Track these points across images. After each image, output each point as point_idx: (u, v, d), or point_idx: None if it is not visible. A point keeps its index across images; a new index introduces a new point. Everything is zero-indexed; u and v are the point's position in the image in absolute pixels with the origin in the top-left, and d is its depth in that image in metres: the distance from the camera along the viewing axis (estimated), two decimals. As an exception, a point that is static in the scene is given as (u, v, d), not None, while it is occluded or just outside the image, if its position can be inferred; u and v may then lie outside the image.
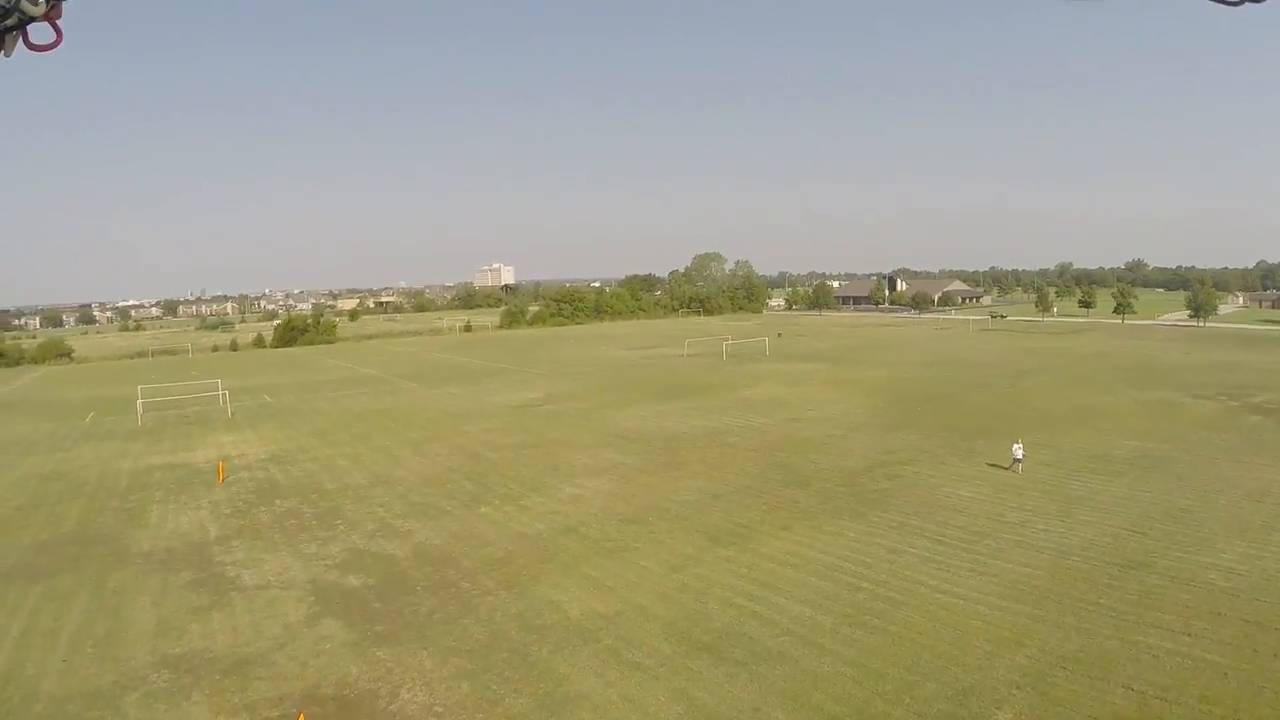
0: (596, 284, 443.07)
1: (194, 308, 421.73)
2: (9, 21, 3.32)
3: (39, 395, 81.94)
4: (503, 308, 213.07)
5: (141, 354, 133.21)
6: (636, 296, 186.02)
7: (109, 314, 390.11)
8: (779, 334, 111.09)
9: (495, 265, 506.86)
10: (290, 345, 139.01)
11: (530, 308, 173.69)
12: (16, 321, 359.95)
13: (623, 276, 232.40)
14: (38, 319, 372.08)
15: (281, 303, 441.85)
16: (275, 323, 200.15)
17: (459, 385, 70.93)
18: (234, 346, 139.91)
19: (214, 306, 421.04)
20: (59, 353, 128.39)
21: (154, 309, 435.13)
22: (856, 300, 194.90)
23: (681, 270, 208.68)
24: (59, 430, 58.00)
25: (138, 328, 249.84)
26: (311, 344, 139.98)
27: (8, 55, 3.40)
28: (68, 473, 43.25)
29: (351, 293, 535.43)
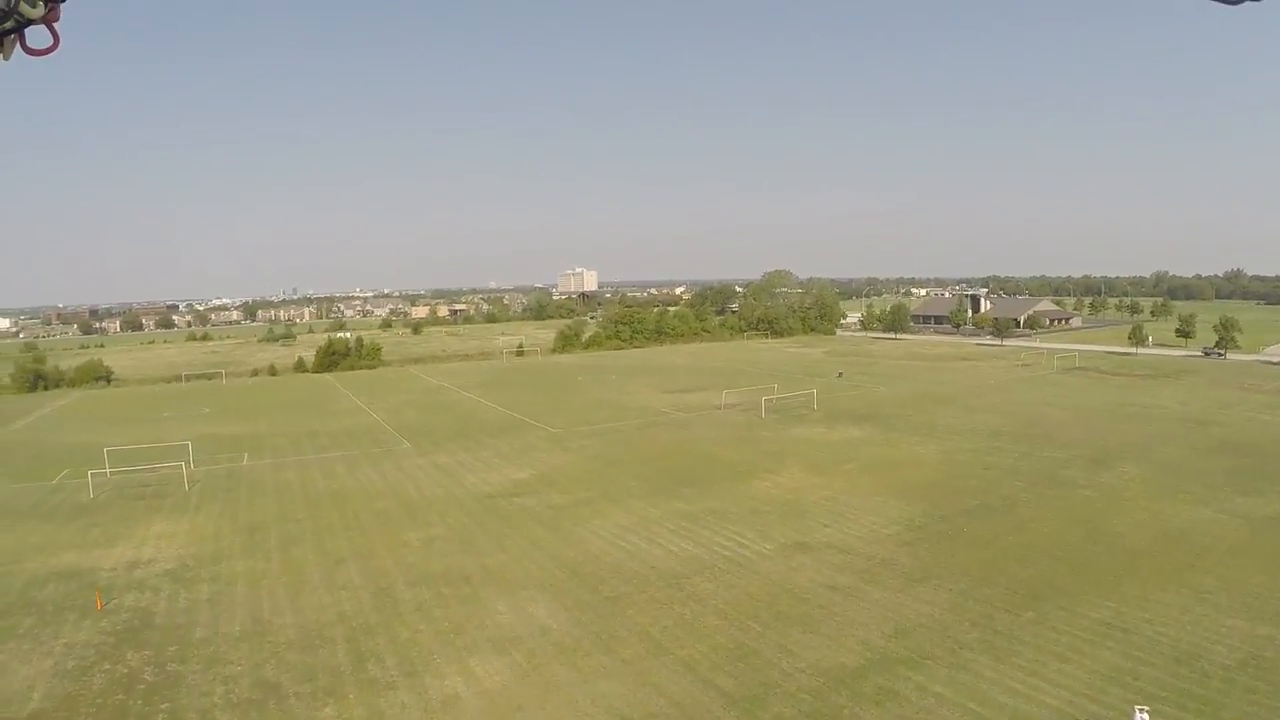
0: (681, 289, 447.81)
1: (273, 311, 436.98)
2: (6, 25, 3.56)
3: (36, 438, 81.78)
4: (569, 319, 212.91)
5: (176, 378, 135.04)
6: (701, 317, 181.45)
7: (188, 318, 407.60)
8: (840, 373, 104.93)
9: (578, 269, 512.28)
10: (330, 370, 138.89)
11: (585, 331, 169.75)
12: (98, 325, 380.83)
13: (711, 279, 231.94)
14: (119, 322, 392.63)
15: (360, 307, 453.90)
16: (339, 334, 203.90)
17: (453, 449, 66.51)
18: (273, 371, 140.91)
19: (293, 310, 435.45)
20: (96, 375, 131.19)
21: (235, 312, 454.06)
22: (937, 320, 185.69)
23: (755, 281, 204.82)
24: (14, 497, 56.29)
25: (204, 337, 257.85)
26: (352, 369, 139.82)
27: (6, 59, 3.66)
28: None
29: (436, 295, 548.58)
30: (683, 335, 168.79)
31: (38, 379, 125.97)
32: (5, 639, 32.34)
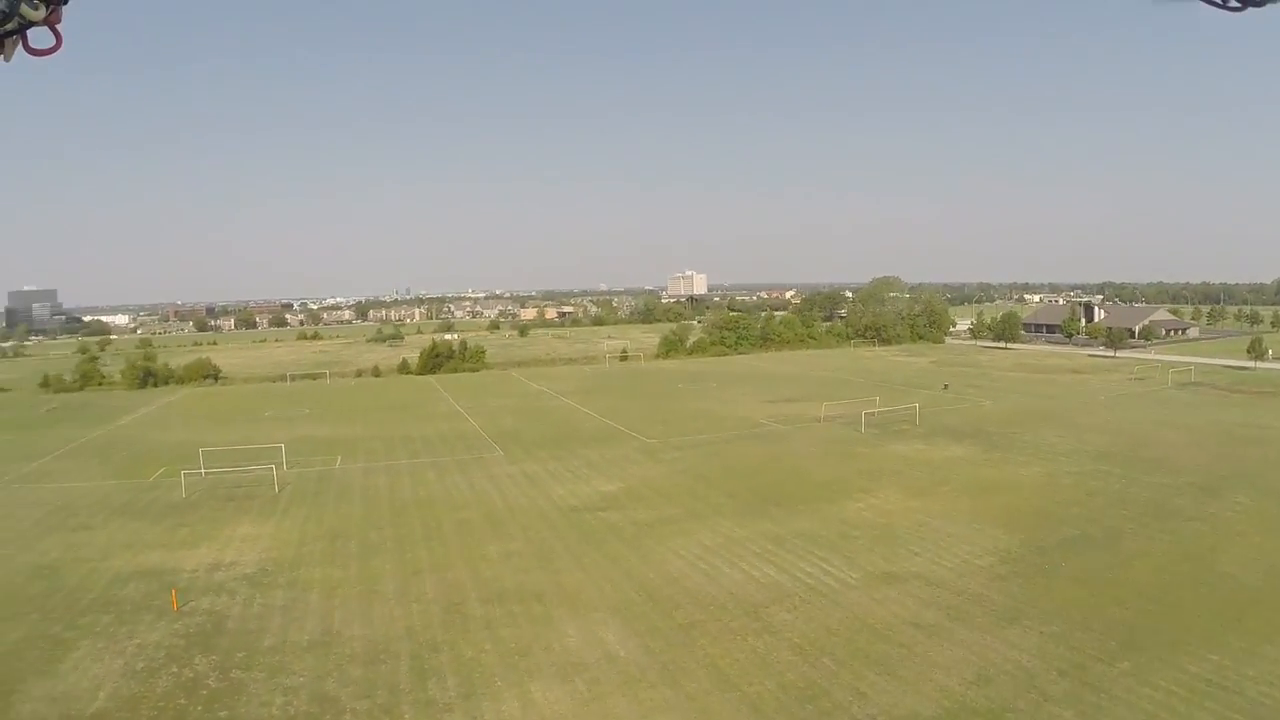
0: (790, 292, 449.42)
1: (384, 311, 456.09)
2: (9, 26, 3.79)
3: (139, 435, 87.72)
4: (676, 323, 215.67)
5: (282, 378, 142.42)
6: (807, 323, 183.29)
7: (301, 317, 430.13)
8: (945, 385, 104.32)
9: (687, 272, 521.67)
10: (433, 372, 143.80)
11: (690, 336, 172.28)
12: (213, 323, 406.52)
13: (820, 282, 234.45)
14: (233, 320, 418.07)
15: (470, 308, 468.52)
16: (445, 335, 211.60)
17: (544, 458, 67.80)
18: (376, 372, 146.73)
19: (404, 311, 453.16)
20: (204, 373, 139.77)
21: (347, 311, 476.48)
22: (1049, 329, 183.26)
23: (864, 285, 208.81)
24: (112, 494, 60.49)
25: (314, 336, 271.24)
26: (455, 371, 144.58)
27: (7, 60, 3.91)
28: (58, 568, 43.79)
29: (546, 297, 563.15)
30: (789, 342, 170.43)
31: (147, 375, 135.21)
32: (83, 636, 34.51)
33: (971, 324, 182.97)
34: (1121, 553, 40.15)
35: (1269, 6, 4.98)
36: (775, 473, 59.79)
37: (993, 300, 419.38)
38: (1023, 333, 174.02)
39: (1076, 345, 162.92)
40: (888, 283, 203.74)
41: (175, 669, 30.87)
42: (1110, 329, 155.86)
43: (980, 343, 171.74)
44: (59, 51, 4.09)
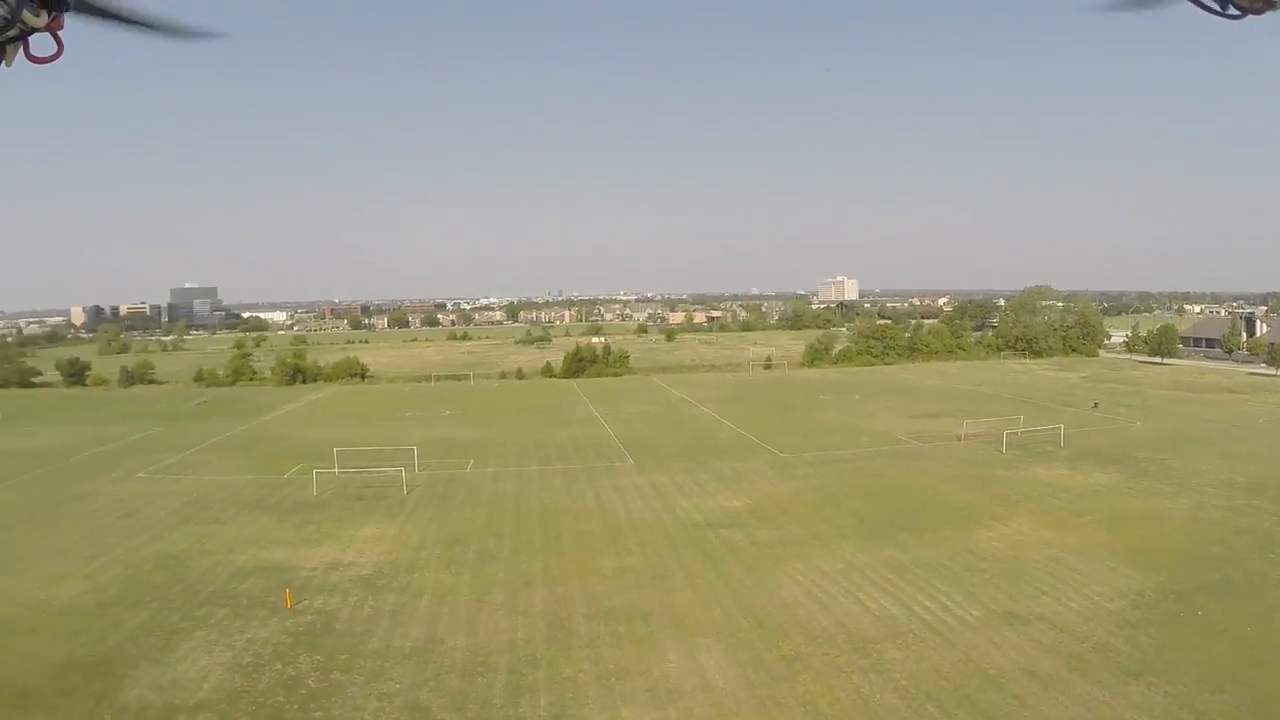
0: (944, 299, 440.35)
1: (534, 313, 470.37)
2: (10, 33, 3.95)
3: (282, 431, 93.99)
4: (825, 329, 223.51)
5: (426, 378, 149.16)
6: (957, 333, 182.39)
7: (453, 317, 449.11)
8: (1095, 404, 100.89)
9: (838, 277, 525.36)
10: (576, 376, 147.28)
11: (836, 344, 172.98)
12: (367, 321, 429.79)
13: (974, 289, 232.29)
14: (386, 319, 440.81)
15: (620, 311, 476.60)
16: (592, 338, 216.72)
17: (674, 469, 68.52)
18: (520, 374, 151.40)
19: (554, 313, 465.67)
20: (351, 372, 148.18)
21: (498, 312, 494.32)
22: (1208, 343, 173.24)
23: (1017, 294, 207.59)
24: (247, 488, 65.01)
25: (464, 336, 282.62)
26: (598, 375, 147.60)
27: (8, 65, 4.10)
28: (184, 559, 47.41)
29: (697, 300, 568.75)
30: (936, 353, 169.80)
31: (296, 372, 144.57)
32: (198, 627, 37.12)
33: (1126, 337, 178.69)
34: (1265, 603, 37.26)
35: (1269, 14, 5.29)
36: (906, 495, 59.02)
37: (1151, 310, 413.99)
38: (1180, 347, 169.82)
39: (1236, 361, 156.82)
40: (1040, 292, 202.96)
41: (279, 666, 32.72)
42: (1273, 344, 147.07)
43: (1135, 357, 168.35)
44: (60, 59, 4.23)
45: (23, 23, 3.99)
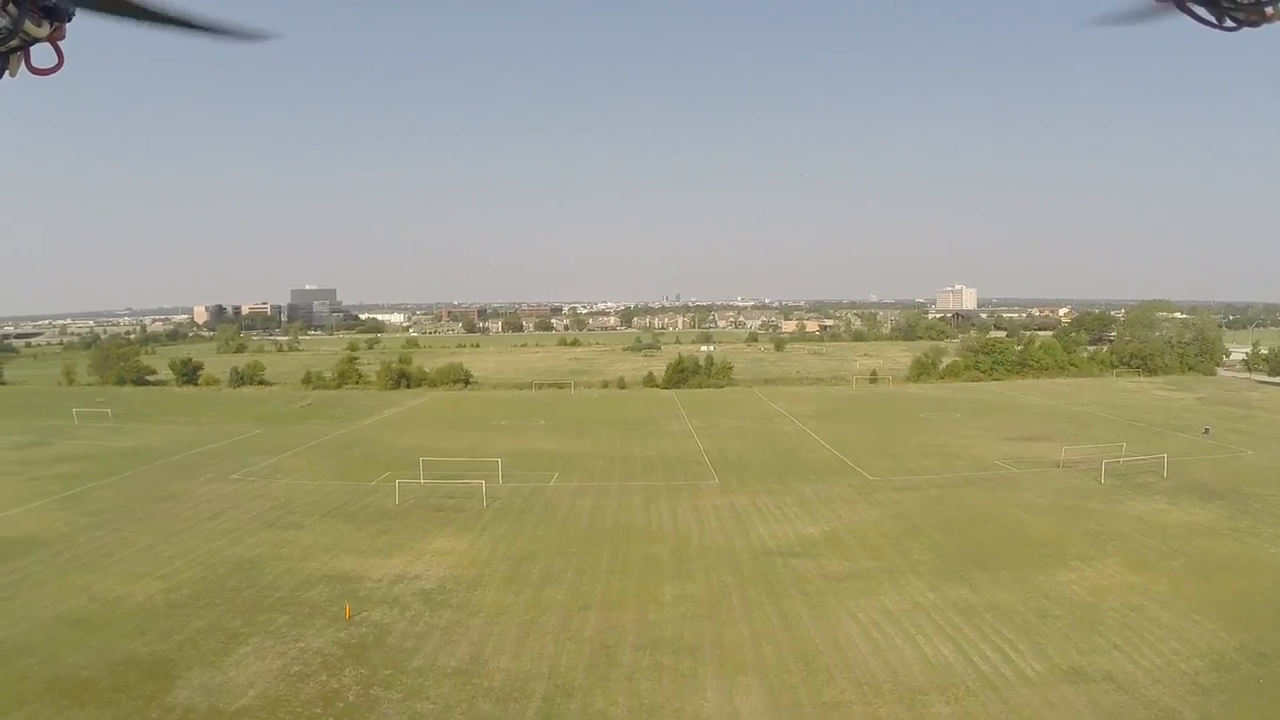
0: (1064, 310, 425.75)
1: (648, 319, 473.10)
2: (12, 44, 4.05)
3: (377, 436, 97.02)
4: (939, 340, 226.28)
5: (528, 385, 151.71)
6: (1069, 349, 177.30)
7: (566, 321, 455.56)
8: (1206, 429, 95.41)
9: (957, 286, 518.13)
10: (678, 386, 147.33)
11: (944, 359, 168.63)
12: (481, 324, 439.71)
13: (1095, 299, 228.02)
14: (500, 322, 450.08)
15: (734, 318, 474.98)
16: (702, 347, 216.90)
17: (757, 490, 67.97)
18: (621, 384, 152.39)
19: (667, 319, 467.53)
20: (455, 378, 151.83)
21: (612, 317, 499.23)
22: None
23: (1133, 305, 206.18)
24: (332, 494, 67.36)
25: (574, 342, 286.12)
26: (699, 386, 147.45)
27: (13, 75, 4.15)
28: (259, 563, 49.45)
29: (814, 307, 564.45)
30: (1047, 368, 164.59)
31: (401, 377, 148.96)
32: (257, 633, 38.73)
33: (1246, 355, 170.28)
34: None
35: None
36: (991, 527, 57.15)
37: (1258, 340, 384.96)
38: None
39: None
40: (1157, 305, 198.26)
41: (324, 677, 33.76)
42: None
43: (1255, 376, 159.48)
44: (61, 69, 4.34)
45: (25, 33, 4.05)
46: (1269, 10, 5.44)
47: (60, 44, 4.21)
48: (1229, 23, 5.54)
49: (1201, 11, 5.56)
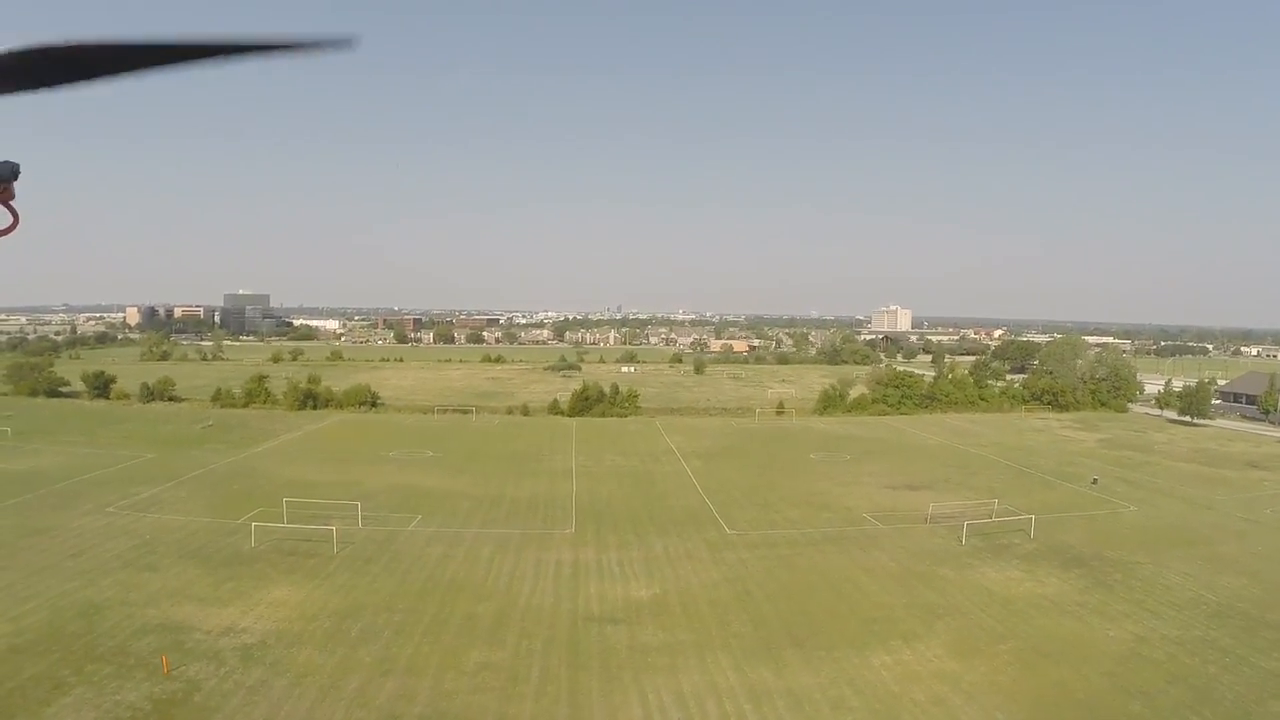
0: (999, 332, 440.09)
1: (580, 333, 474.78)
2: None
3: (262, 467, 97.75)
4: (865, 365, 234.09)
5: (432, 410, 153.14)
6: (980, 383, 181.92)
7: (497, 334, 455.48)
8: (1095, 480, 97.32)
9: (891, 306, 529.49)
10: (583, 414, 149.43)
11: (852, 391, 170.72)
12: (412, 335, 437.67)
13: (1034, 319, 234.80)
14: (432, 334, 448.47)
15: (665, 335, 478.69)
16: (623, 368, 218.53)
17: (610, 544, 69.14)
18: (525, 410, 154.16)
19: (599, 334, 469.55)
20: (361, 400, 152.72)
21: (545, 331, 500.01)
22: (1248, 399, 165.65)
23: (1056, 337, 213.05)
24: (197, 533, 68.17)
25: (497, 359, 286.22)
26: (603, 415, 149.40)
27: None
28: (103, 609, 50.76)
29: (753, 321, 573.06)
30: (957, 403, 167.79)
31: (308, 397, 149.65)
32: (82, 683, 40.72)
33: (1158, 393, 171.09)
34: None
35: None
36: (828, 595, 57.51)
37: (1207, 352, 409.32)
38: (1217, 402, 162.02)
39: (1273, 424, 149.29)
40: (1071, 343, 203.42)
41: (113, 747, 36.04)
42: None
43: (1166, 413, 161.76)
44: (16, 230, 4.15)
45: None
46: None
47: (12, 204, 4.06)
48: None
49: None
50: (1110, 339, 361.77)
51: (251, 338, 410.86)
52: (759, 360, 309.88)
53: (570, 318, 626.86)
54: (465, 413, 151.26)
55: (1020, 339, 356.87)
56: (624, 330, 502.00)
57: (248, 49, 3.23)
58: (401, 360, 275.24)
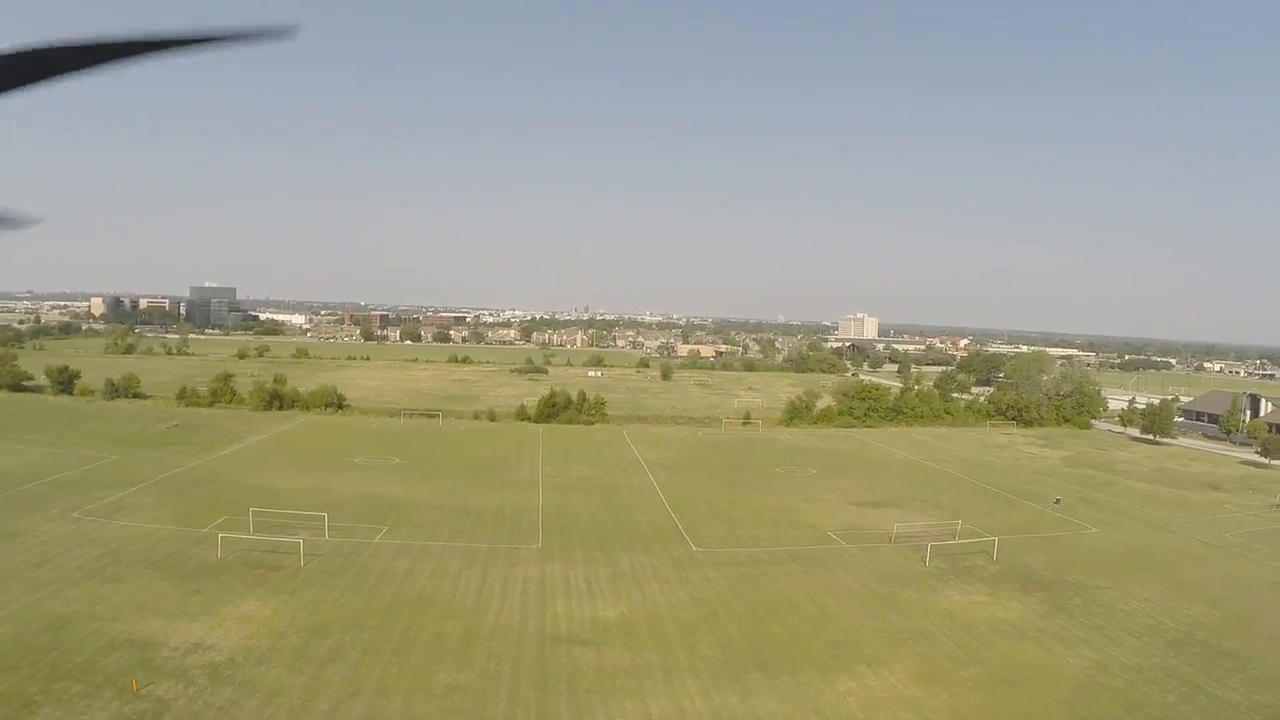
0: (965, 341, 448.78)
1: (547, 334, 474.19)
2: None
3: (227, 471, 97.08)
4: (831, 375, 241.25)
5: (398, 413, 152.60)
6: (946, 397, 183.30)
7: (464, 334, 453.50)
8: (1058, 500, 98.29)
9: (859, 314, 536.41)
10: (550, 420, 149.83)
11: (818, 402, 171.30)
12: (379, 332, 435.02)
13: (1001, 328, 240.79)
14: (399, 331, 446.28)
15: (632, 338, 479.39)
16: (588, 372, 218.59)
17: (575, 560, 69.20)
18: (492, 416, 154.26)
19: (566, 335, 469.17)
20: (327, 402, 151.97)
21: (513, 331, 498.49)
22: (1210, 418, 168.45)
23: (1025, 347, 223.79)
24: (163, 542, 67.70)
25: (464, 360, 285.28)
26: (570, 422, 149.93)
27: None
28: (70, 622, 50.37)
29: (720, 325, 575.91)
30: (923, 417, 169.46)
31: (274, 398, 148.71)
32: (49, 702, 40.49)
33: (1122, 410, 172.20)
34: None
35: None
36: (793, 618, 57.90)
37: (1171, 366, 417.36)
38: (1181, 420, 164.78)
39: (1235, 444, 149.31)
40: (1037, 359, 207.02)
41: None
42: (1272, 428, 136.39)
43: (1129, 431, 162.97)
44: None
45: None
46: None
47: None
48: None
49: None
50: (1075, 351, 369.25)
51: (217, 331, 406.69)
52: (726, 366, 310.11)
53: (538, 317, 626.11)
54: (432, 417, 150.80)
55: (986, 350, 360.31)
56: (591, 332, 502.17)
57: (190, 42, 3.47)
58: (368, 358, 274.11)
